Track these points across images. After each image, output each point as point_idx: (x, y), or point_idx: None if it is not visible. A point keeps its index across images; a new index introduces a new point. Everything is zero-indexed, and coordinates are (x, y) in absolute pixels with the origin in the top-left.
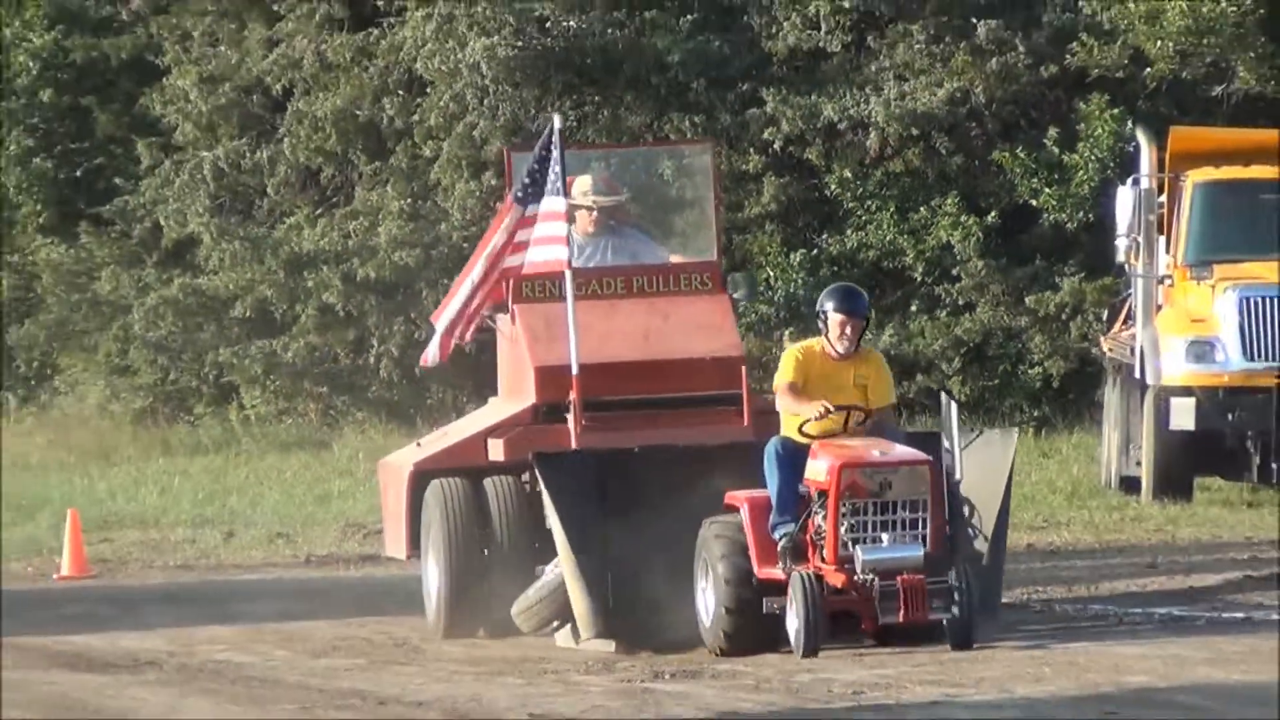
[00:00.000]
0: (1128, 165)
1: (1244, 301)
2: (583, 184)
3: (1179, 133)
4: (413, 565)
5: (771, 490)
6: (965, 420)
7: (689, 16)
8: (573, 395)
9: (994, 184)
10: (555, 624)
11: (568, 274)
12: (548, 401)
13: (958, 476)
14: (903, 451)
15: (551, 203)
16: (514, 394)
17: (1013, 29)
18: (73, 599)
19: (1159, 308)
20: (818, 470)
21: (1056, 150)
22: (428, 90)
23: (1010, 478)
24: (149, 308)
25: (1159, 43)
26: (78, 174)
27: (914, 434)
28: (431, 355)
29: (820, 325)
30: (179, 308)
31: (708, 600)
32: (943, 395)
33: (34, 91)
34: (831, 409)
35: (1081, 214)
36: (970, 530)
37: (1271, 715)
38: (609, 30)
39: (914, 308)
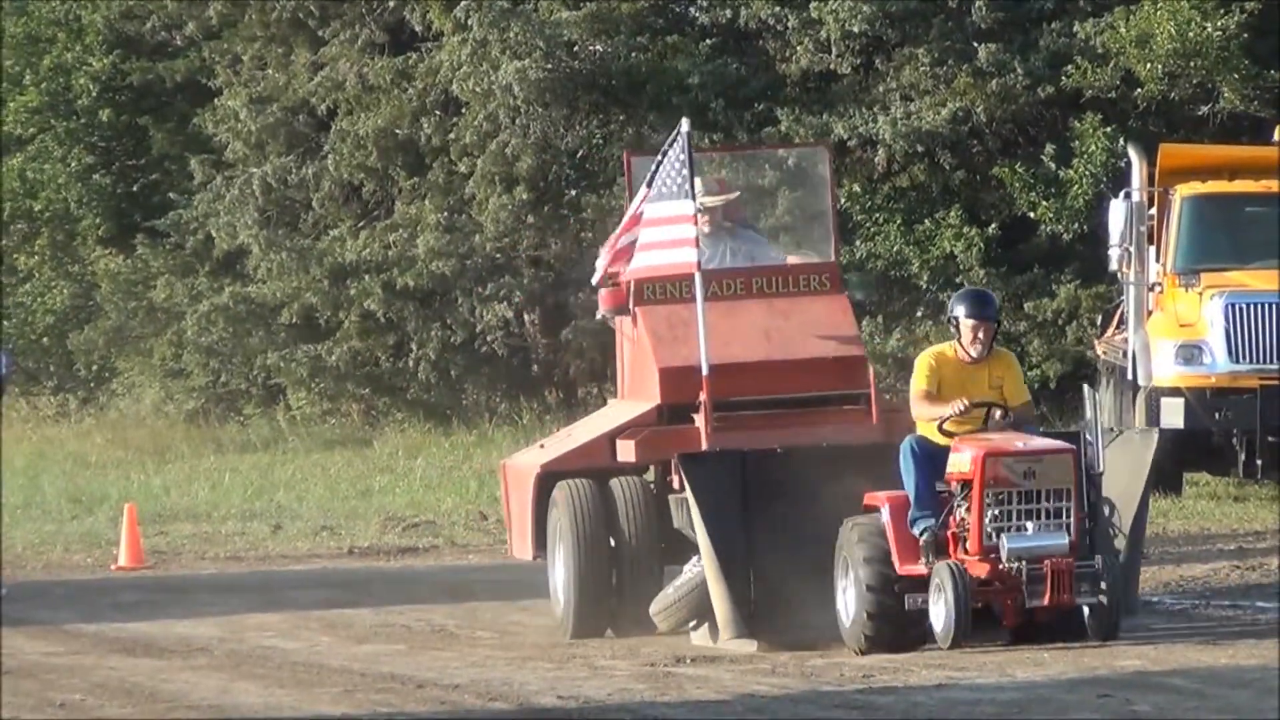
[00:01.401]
0: (1120, 180)
1: (1230, 307)
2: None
3: (1168, 149)
4: (451, 555)
5: (909, 487)
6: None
7: (708, 41)
8: (703, 396)
9: (994, 197)
10: (693, 623)
11: (697, 276)
12: (672, 402)
13: (1099, 469)
14: (1046, 441)
15: (679, 206)
16: (637, 395)
17: (1011, 52)
18: (129, 588)
19: (1150, 313)
20: (961, 462)
21: (1053, 166)
22: (463, 110)
23: (1150, 476)
24: (201, 314)
25: (1149, 65)
26: (135, 189)
27: (1051, 432)
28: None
29: (952, 330)
30: (229, 314)
31: (848, 600)
32: (1085, 388)
33: (94, 112)
34: (968, 404)
35: (1076, 225)
36: (1110, 528)
37: (1254, 696)
38: (633, 54)
39: (920, 314)
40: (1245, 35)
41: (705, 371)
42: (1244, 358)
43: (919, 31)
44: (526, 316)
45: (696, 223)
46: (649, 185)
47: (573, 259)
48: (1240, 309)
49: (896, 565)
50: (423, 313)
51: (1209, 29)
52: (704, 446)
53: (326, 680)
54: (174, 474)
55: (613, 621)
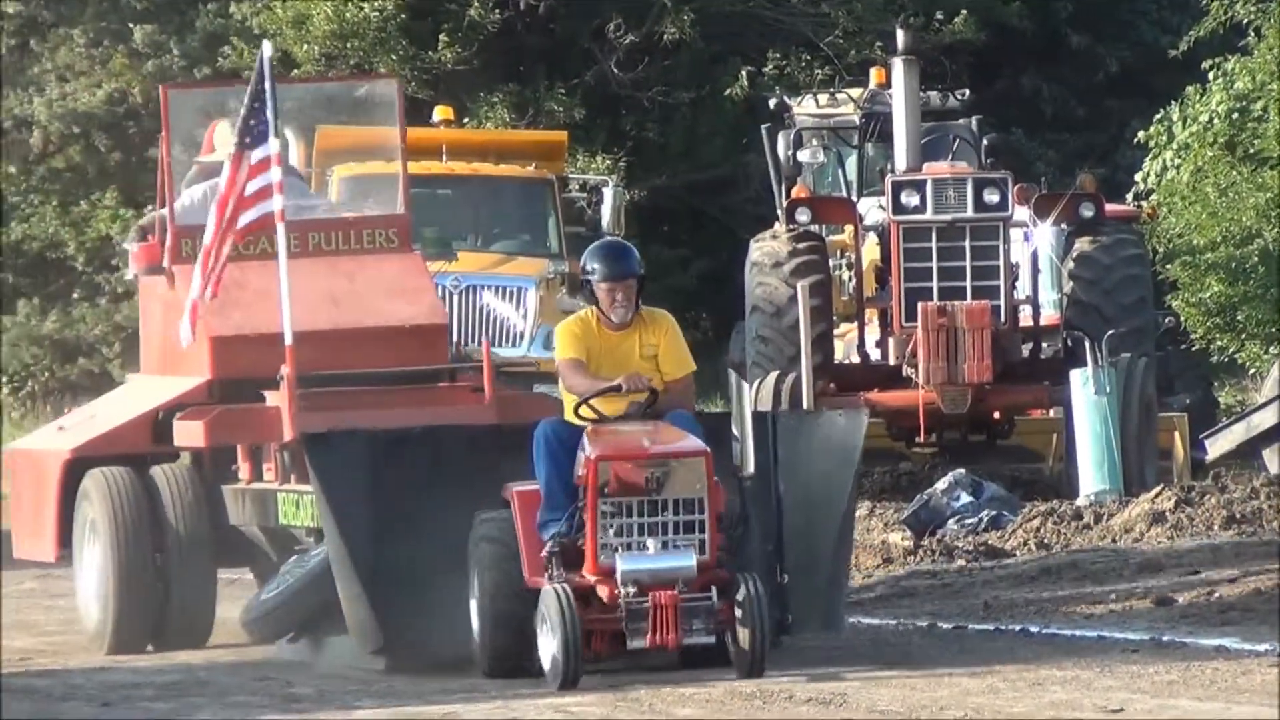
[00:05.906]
0: None
1: None
2: (224, 132)
3: (326, 131)
4: None
5: (540, 483)
6: None
7: None
8: (285, 369)
9: (152, 179)
10: (290, 634)
11: (280, 228)
12: (224, 377)
13: (749, 469)
14: (675, 440)
15: (265, 149)
16: (175, 368)
17: (168, 34)
18: None
19: None
20: (579, 462)
21: None
22: None
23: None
24: None
25: (306, 46)
26: None
27: (712, 414)
28: (185, 335)
29: (586, 298)
30: None
31: (475, 614)
32: (731, 374)
33: None
34: (624, 385)
35: None
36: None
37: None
38: None
39: (76, 295)
40: (403, 16)
41: (289, 340)
42: None
43: (74, 12)
44: None
45: (281, 163)
46: (245, 140)
47: None
48: None
49: (525, 576)
50: None
51: (366, 10)
52: (287, 428)
53: None
54: None
55: (157, 633)
